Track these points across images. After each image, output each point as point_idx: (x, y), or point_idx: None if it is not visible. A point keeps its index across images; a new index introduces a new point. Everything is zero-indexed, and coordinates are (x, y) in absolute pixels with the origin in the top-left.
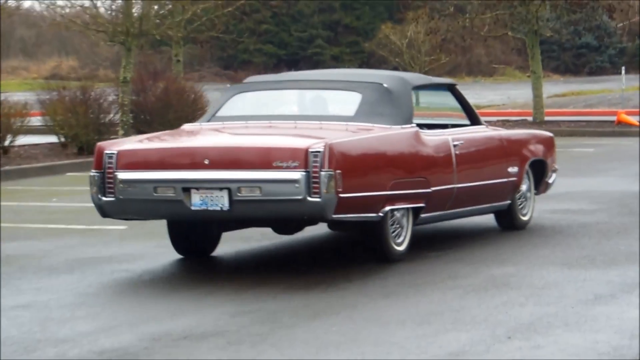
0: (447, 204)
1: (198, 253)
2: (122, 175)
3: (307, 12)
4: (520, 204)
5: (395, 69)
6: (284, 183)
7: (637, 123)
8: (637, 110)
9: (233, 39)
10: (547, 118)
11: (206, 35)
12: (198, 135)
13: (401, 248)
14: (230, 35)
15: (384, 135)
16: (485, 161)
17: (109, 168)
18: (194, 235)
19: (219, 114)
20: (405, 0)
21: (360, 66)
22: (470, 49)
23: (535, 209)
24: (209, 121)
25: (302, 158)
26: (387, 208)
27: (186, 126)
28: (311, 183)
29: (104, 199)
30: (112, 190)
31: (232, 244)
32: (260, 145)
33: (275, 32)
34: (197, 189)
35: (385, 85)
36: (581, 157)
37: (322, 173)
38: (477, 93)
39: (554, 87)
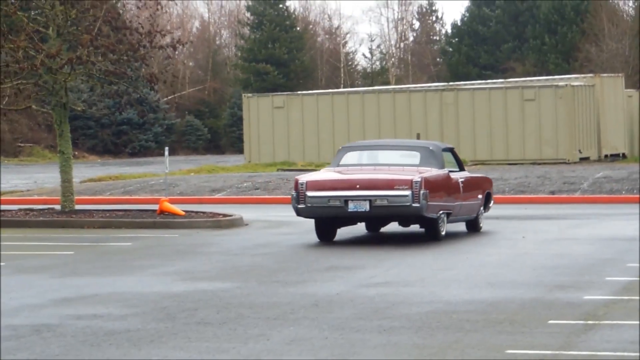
0: (458, 212)
1: (329, 239)
2: (310, 193)
3: None
4: (479, 218)
5: None
6: (400, 197)
7: (182, 212)
8: (182, 197)
9: None
10: (78, 206)
11: None
12: (346, 174)
13: (443, 234)
14: None
15: (438, 173)
16: (470, 191)
17: (301, 190)
18: (327, 230)
19: (342, 162)
20: None
21: None
22: None
23: (56, 314)
24: (338, 166)
25: (410, 184)
26: (441, 212)
27: (328, 168)
28: (414, 196)
29: (299, 206)
30: (303, 201)
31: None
32: (386, 178)
33: None
34: (352, 200)
35: (430, 148)
36: (116, 252)
37: (421, 192)
38: None
39: (90, 170)
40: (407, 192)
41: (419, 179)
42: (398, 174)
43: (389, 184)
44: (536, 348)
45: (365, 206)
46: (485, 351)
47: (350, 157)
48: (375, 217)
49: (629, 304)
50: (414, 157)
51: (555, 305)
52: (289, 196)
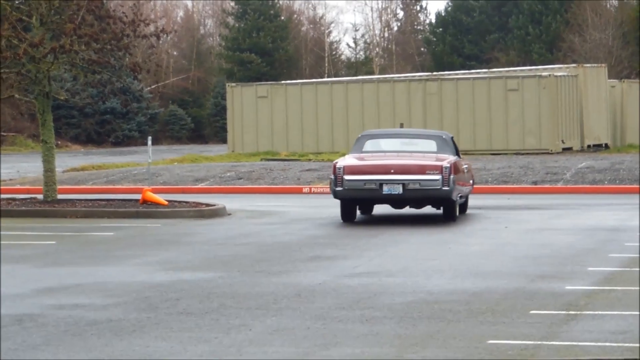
0: (463, 195)
1: (351, 219)
2: (347, 177)
3: None
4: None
5: None
6: (431, 181)
7: (165, 202)
8: (165, 187)
9: None
10: (60, 196)
11: None
12: (376, 160)
13: (457, 215)
14: None
15: (456, 160)
16: (468, 175)
17: (339, 174)
18: (350, 212)
19: (364, 149)
20: None
21: None
22: None
23: (38, 304)
24: (361, 152)
25: (440, 169)
26: (458, 194)
27: (351, 154)
28: (443, 180)
29: (337, 188)
30: (340, 184)
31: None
32: (419, 163)
33: None
34: (386, 183)
35: (443, 137)
36: (99, 242)
37: (451, 176)
38: None
39: (73, 160)
40: (438, 177)
41: (448, 165)
42: (426, 160)
43: (421, 169)
44: (518, 338)
45: (398, 189)
46: (467, 341)
47: (371, 144)
48: (407, 200)
49: (611, 294)
50: (431, 145)
51: (537, 296)
52: (272, 186)
